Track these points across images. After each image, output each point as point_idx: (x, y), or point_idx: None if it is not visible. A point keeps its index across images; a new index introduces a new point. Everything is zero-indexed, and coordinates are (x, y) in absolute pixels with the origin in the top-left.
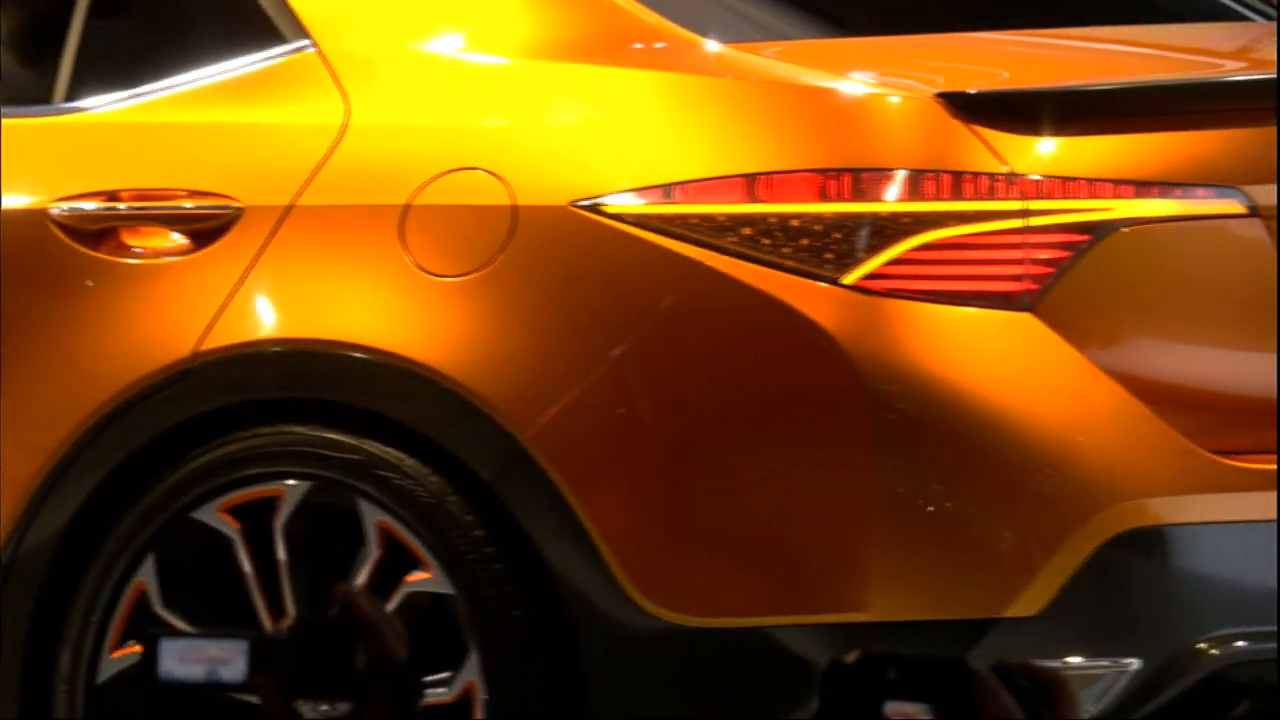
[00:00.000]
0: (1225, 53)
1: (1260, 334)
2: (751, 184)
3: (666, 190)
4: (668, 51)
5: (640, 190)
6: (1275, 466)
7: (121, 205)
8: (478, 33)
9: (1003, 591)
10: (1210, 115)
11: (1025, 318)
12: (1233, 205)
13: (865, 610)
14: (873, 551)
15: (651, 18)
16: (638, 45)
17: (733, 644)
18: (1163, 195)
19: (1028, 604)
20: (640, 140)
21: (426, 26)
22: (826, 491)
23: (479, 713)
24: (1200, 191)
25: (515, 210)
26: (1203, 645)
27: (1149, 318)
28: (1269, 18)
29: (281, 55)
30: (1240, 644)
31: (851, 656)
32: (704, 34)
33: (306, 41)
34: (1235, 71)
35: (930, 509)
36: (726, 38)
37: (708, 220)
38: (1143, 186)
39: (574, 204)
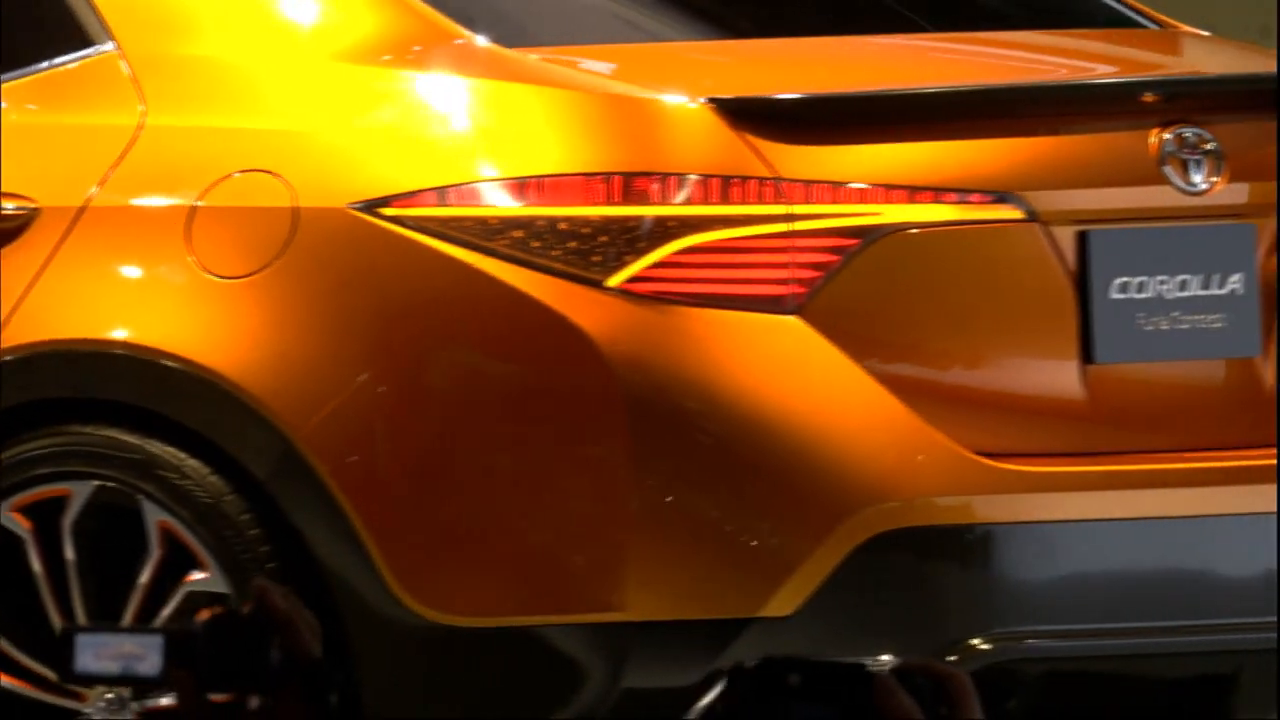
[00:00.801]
0: (1047, 58)
1: (1032, 338)
2: (523, 187)
3: (441, 193)
4: (449, 54)
5: (416, 193)
6: (1043, 469)
7: None
8: (272, 36)
9: (758, 591)
10: (991, 122)
11: (791, 321)
12: (1010, 211)
13: (624, 610)
14: (631, 552)
15: (439, 20)
16: (421, 48)
17: (498, 643)
18: (937, 200)
19: (783, 604)
20: (417, 143)
21: (225, 30)
22: (585, 493)
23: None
24: (976, 197)
25: (296, 212)
26: (963, 644)
27: (920, 321)
28: (1160, 25)
29: (86, 57)
30: (1006, 643)
31: (752, 661)
32: (488, 37)
33: (111, 44)
34: (1037, 77)
35: (688, 510)
36: (511, 41)
37: (481, 223)
38: (916, 191)
39: (351, 206)
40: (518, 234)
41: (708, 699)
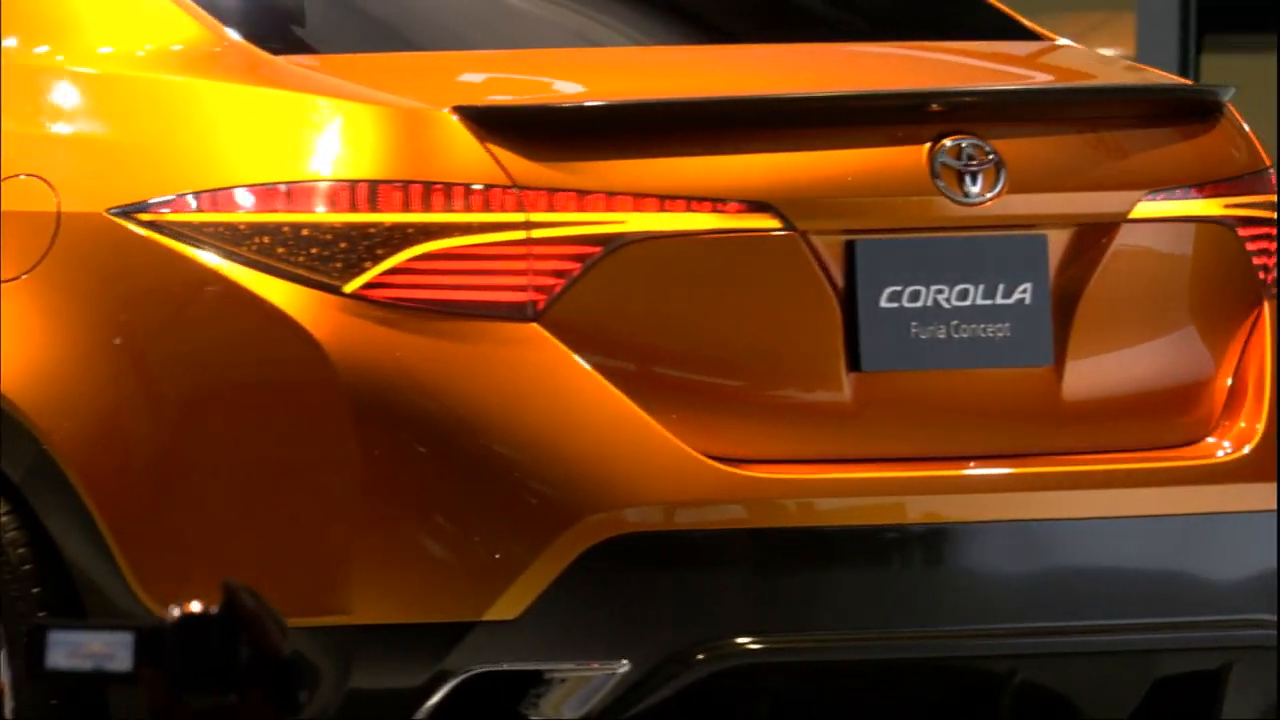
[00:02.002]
0: (848, 67)
1: (791, 346)
2: (271, 193)
3: (196, 198)
4: (213, 60)
5: (172, 199)
6: (789, 475)
7: None
8: (45, 39)
9: (482, 595)
10: (752, 132)
11: (528, 328)
12: (768, 220)
13: (350, 614)
14: (357, 557)
15: (208, 26)
16: (188, 53)
17: None
18: (689, 209)
19: (508, 607)
20: (175, 147)
21: (8, 35)
22: (314, 498)
23: (7, 710)
24: (732, 206)
25: (59, 217)
26: (696, 649)
27: (668, 329)
28: (1037, 36)
29: None
30: (738, 647)
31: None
32: (251, 43)
33: None
34: (819, 88)
35: (415, 515)
36: (275, 47)
37: (230, 228)
38: (667, 200)
39: (109, 211)
40: (264, 239)
41: (434, 699)
